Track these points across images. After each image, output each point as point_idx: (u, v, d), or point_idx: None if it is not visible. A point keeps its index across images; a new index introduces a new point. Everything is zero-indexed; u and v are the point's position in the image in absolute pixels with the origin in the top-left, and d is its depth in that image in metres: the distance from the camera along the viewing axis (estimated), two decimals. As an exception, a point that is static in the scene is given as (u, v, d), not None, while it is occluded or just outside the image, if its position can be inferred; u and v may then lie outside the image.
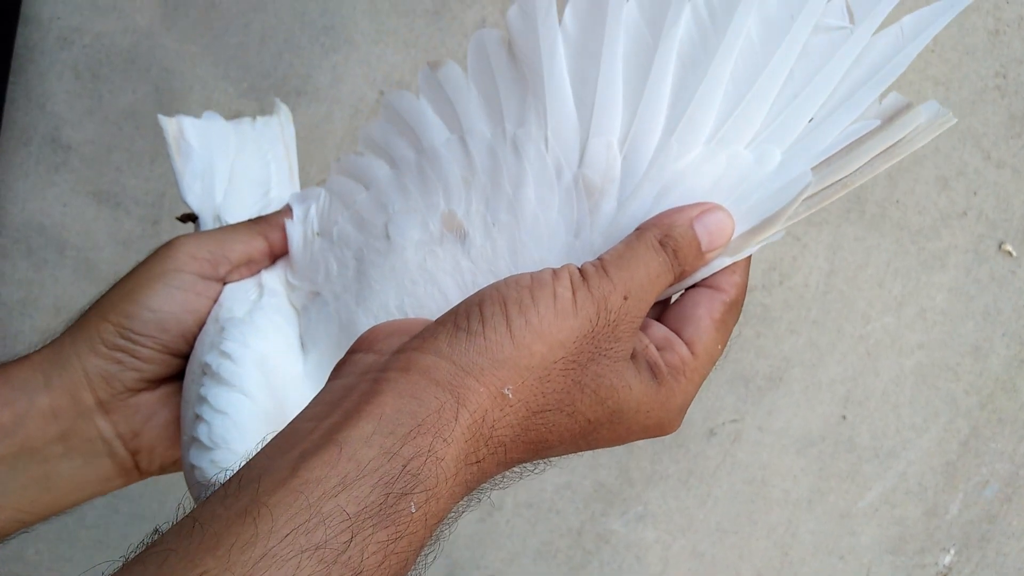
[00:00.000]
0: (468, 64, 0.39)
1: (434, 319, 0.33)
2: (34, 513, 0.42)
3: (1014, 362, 0.81)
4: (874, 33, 0.36)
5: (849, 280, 0.80)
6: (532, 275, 0.33)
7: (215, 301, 0.42)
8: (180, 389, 0.44)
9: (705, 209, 0.35)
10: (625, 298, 0.33)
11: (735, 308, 0.36)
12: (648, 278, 0.33)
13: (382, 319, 0.39)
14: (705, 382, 0.78)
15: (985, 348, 0.80)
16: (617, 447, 0.36)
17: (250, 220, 0.45)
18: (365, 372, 0.31)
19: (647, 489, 0.82)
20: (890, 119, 0.35)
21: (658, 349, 0.34)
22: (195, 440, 0.38)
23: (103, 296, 0.43)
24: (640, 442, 0.45)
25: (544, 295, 0.31)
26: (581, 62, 0.37)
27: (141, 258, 0.83)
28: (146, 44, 0.81)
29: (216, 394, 0.38)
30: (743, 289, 0.36)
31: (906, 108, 0.35)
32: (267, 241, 0.44)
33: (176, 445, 0.44)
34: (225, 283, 0.43)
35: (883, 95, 0.36)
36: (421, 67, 0.41)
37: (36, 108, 0.81)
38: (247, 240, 0.43)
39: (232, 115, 0.81)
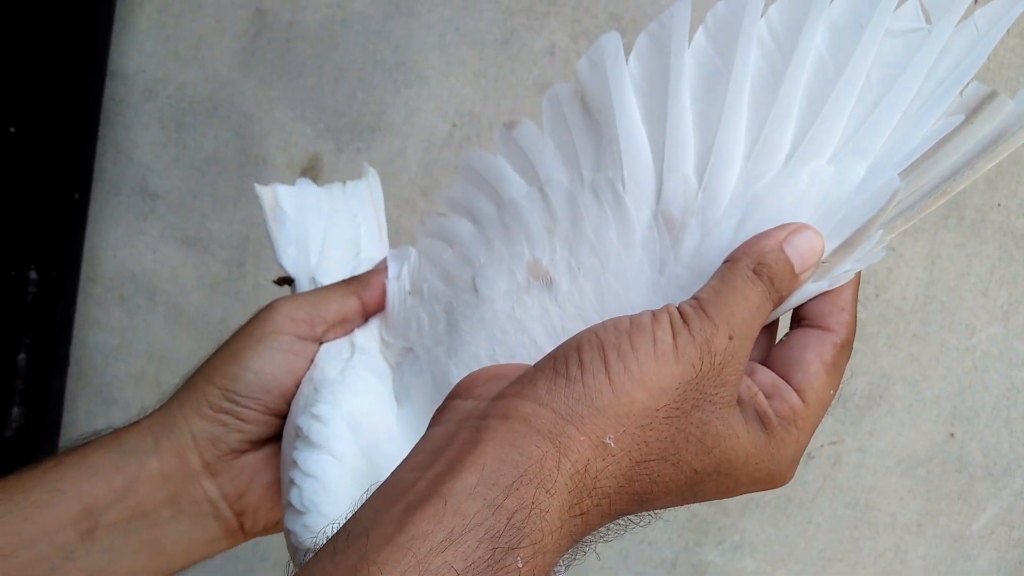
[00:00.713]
0: (543, 117, 0.40)
1: (530, 364, 0.32)
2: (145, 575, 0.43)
3: None
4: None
5: (950, 290, 0.75)
6: (631, 318, 0.31)
7: (312, 361, 0.43)
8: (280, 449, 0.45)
9: (792, 230, 0.33)
10: (730, 338, 0.31)
11: (846, 349, 0.34)
12: (750, 312, 0.32)
13: (474, 368, 0.38)
14: None
15: (1105, 356, 0.75)
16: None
17: (344, 281, 0.46)
18: (465, 419, 0.30)
19: (743, 517, 0.79)
20: (974, 111, 0.34)
21: (767, 397, 0.32)
22: (289, 505, 0.38)
23: (208, 360, 0.44)
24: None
25: (644, 340, 0.30)
26: (650, 102, 0.36)
27: (228, 301, 0.85)
28: (226, 91, 0.82)
29: (306, 457, 0.39)
30: (853, 328, 0.34)
31: (990, 97, 0.33)
32: (360, 300, 0.45)
33: (279, 506, 0.45)
34: (321, 343, 0.44)
35: (963, 89, 0.34)
36: (496, 124, 0.41)
37: (124, 159, 0.83)
38: (341, 300, 0.44)
39: (310, 156, 0.82)
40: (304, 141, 0.82)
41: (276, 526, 0.46)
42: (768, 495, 0.77)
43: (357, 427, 0.40)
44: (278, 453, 0.44)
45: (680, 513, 0.80)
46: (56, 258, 0.78)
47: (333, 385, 0.41)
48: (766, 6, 0.35)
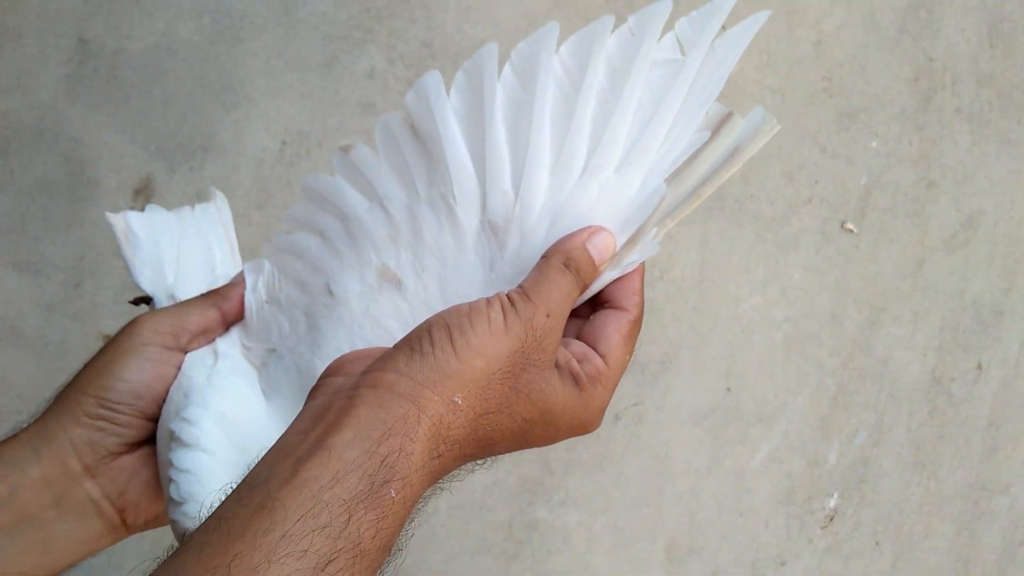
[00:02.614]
0: (377, 142, 0.45)
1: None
2: (35, 574, 0.45)
3: (866, 324, 0.91)
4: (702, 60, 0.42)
5: (719, 269, 0.89)
6: (470, 304, 0.39)
7: (179, 369, 0.47)
8: (156, 450, 0.48)
9: (591, 232, 0.41)
10: (548, 316, 0.39)
11: (638, 324, 0.43)
12: (562, 296, 0.40)
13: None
14: None
15: (840, 315, 0.91)
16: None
17: (203, 294, 0.49)
18: (338, 391, 0.37)
19: (566, 476, 0.89)
20: (717, 129, 0.42)
21: (578, 361, 0.41)
22: (170, 499, 0.43)
23: (79, 374, 0.46)
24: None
25: (480, 320, 0.38)
26: (471, 128, 0.43)
27: (67, 322, 0.86)
28: (52, 117, 0.83)
29: (180, 456, 0.43)
30: (642, 307, 0.43)
31: (728, 117, 0.42)
32: (220, 311, 0.49)
33: (157, 501, 0.48)
34: (186, 352, 0.48)
35: (708, 110, 0.42)
36: (324, 141, 0.47)
37: (-52, 187, 0.82)
38: (202, 312, 0.48)
39: (142, 178, 0.85)
40: (135, 163, 0.84)
41: (156, 520, 0.49)
42: (585, 454, 0.88)
43: (227, 423, 0.45)
44: (154, 453, 0.48)
45: (512, 479, 0.89)
46: None
47: (201, 389, 0.45)
48: (559, 44, 0.43)
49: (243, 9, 0.84)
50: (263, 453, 0.35)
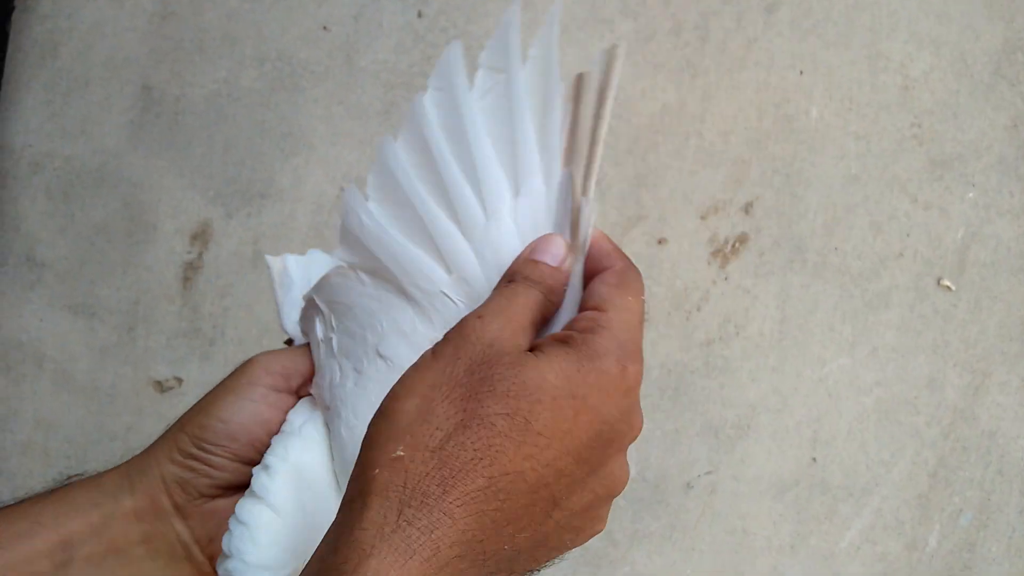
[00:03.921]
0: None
1: None
2: None
3: (968, 390, 0.81)
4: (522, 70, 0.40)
5: (801, 326, 0.81)
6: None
7: (285, 412, 0.44)
8: None
9: (531, 247, 0.37)
10: (479, 317, 0.33)
11: (629, 270, 0.36)
12: (505, 301, 0.34)
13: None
14: (677, 435, 0.79)
15: (939, 380, 0.81)
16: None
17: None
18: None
19: (632, 549, 0.80)
20: (576, 94, 0.39)
21: (566, 330, 0.34)
22: (221, 549, 0.39)
23: (187, 412, 0.44)
24: (619, 502, 0.42)
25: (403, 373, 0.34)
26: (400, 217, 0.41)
27: (118, 366, 0.83)
28: (114, 163, 0.82)
29: (243, 506, 0.40)
30: (625, 256, 0.37)
31: (578, 78, 0.39)
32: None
33: None
34: (299, 396, 0.44)
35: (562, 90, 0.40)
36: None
37: (11, 230, 0.82)
38: (297, 356, 0.44)
39: (200, 223, 0.83)
40: (194, 208, 0.83)
41: None
42: (653, 525, 0.80)
43: (301, 481, 0.41)
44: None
45: (573, 550, 0.81)
46: (-66, 329, 0.75)
47: (288, 437, 0.42)
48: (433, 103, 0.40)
49: (305, 58, 0.83)
50: (320, 531, 0.32)
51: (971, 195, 0.82)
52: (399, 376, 0.37)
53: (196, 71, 0.82)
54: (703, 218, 0.82)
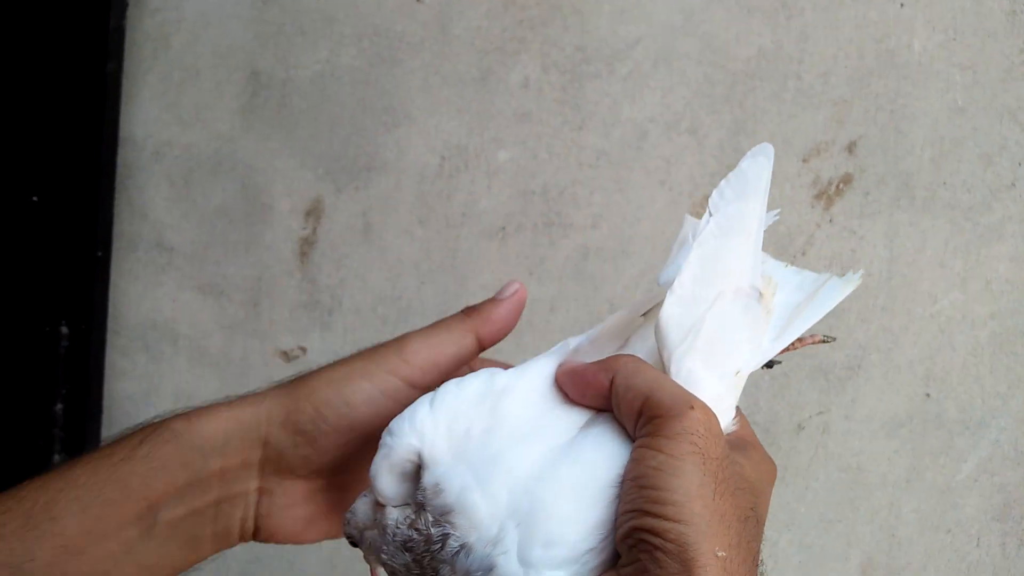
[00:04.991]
0: None
1: None
2: (180, 571, 0.42)
3: (1086, 319, 0.80)
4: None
5: (910, 264, 0.80)
6: (634, 474, 0.37)
7: (405, 403, 0.40)
8: (328, 491, 0.43)
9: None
10: (692, 408, 0.37)
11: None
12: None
13: None
14: (786, 379, 0.81)
15: (1055, 310, 0.80)
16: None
17: (463, 312, 0.44)
18: None
19: (747, 491, 0.82)
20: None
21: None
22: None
23: (319, 372, 0.42)
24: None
25: (663, 477, 0.36)
26: None
27: (247, 340, 0.87)
28: (228, 148, 0.86)
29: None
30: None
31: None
32: (477, 336, 0.44)
33: (292, 537, 0.44)
34: (424, 391, 0.41)
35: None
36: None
37: (140, 217, 0.86)
38: (459, 341, 0.43)
39: (312, 200, 0.86)
40: (305, 186, 0.86)
41: (286, 543, 0.45)
42: (767, 468, 0.81)
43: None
44: (322, 490, 0.43)
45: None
46: (84, 313, 0.80)
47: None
48: None
49: (400, 30, 0.84)
50: None
51: (1085, 118, 0.79)
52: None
53: (299, 53, 0.84)
54: (805, 161, 0.81)
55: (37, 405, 0.80)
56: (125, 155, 0.85)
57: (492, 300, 0.44)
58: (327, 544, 0.47)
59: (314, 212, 0.86)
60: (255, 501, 0.43)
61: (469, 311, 0.44)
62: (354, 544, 0.40)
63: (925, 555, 0.82)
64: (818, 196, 0.80)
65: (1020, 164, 0.79)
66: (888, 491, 0.81)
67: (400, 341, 0.42)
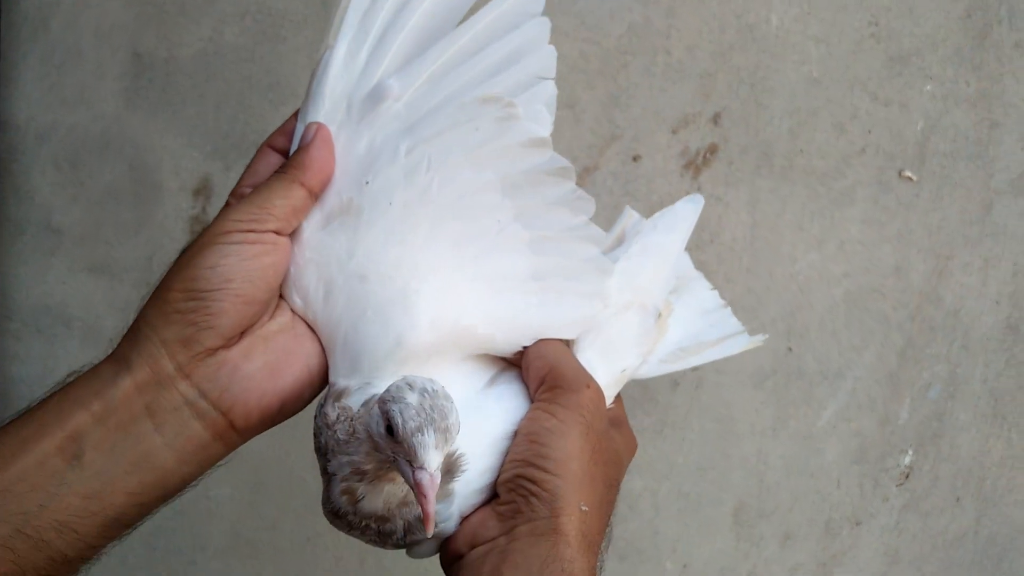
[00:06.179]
0: None
1: None
2: (147, 495, 0.42)
3: (933, 274, 0.86)
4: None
5: (771, 228, 0.85)
6: (527, 430, 0.45)
7: (268, 248, 0.43)
8: (260, 340, 0.44)
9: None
10: (587, 386, 0.46)
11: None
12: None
13: None
14: None
15: (905, 267, 0.86)
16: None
17: (280, 169, 0.44)
18: (487, 554, 0.41)
19: (628, 445, 0.87)
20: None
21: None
22: None
23: (163, 278, 0.43)
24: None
25: (549, 436, 0.44)
26: None
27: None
28: (115, 128, 0.86)
29: None
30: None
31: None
32: (304, 187, 0.44)
33: (267, 395, 0.43)
34: (284, 235, 0.44)
35: None
36: None
37: (26, 201, 0.86)
38: (285, 193, 0.43)
39: (201, 178, 0.86)
40: (194, 165, 0.86)
41: (271, 418, 0.44)
42: (645, 421, 0.85)
43: None
44: (258, 343, 0.44)
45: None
46: (-29, 299, 0.80)
47: None
48: None
49: (283, 8, 0.85)
50: None
51: (929, 88, 0.84)
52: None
53: (181, 32, 0.84)
54: (674, 132, 0.85)
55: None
56: (7, 139, 0.84)
57: (300, 149, 0.45)
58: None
59: (203, 190, 0.87)
60: (193, 390, 0.42)
61: (285, 167, 0.44)
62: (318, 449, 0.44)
63: (791, 497, 0.88)
64: (687, 166, 0.85)
65: (870, 131, 0.84)
66: (756, 439, 0.87)
67: (216, 219, 0.44)
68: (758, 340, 0.58)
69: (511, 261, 0.45)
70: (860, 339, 0.85)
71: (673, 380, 0.85)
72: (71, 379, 0.43)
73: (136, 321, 0.43)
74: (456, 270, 0.44)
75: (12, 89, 0.85)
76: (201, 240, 0.43)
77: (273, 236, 0.43)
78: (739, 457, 0.87)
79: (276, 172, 0.45)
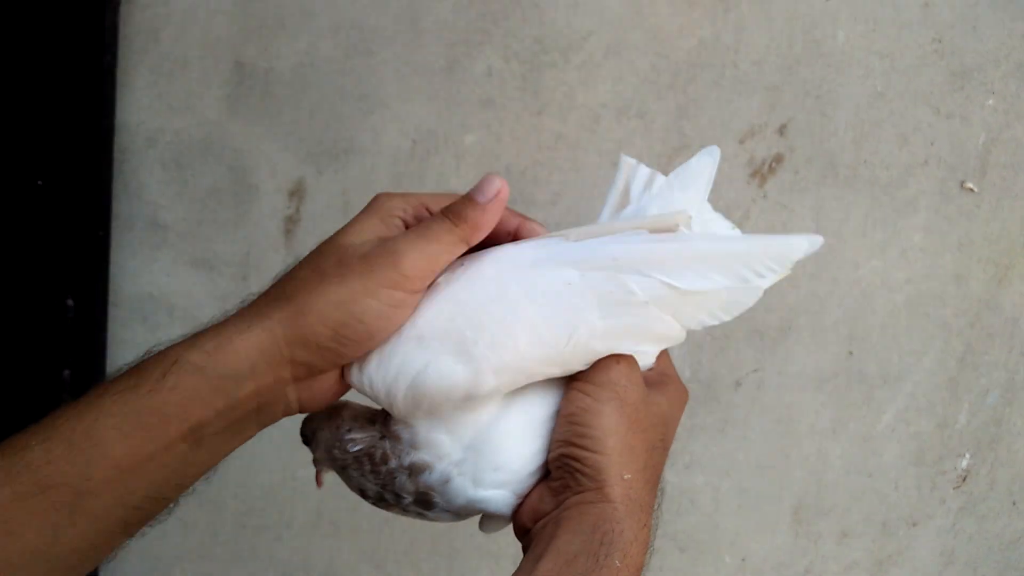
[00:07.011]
0: None
1: None
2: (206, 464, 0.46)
3: (992, 283, 0.88)
4: None
5: (835, 234, 0.88)
6: (567, 410, 0.47)
7: (410, 308, 0.45)
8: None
9: None
10: (617, 361, 0.47)
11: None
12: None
13: None
14: (725, 340, 0.91)
15: (965, 274, 0.88)
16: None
17: (448, 220, 0.46)
18: (543, 526, 0.45)
19: (690, 441, 0.90)
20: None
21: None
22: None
23: (316, 292, 0.44)
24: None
25: (589, 415, 0.46)
26: None
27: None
28: (217, 132, 0.92)
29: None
30: None
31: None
32: (467, 244, 0.46)
33: (327, 400, 0.48)
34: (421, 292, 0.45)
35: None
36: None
37: (135, 199, 0.93)
38: (451, 250, 0.46)
39: (295, 181, 0.93)
40: (288, 168, 0.92)
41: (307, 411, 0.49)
42: (708, 419, 0.89)
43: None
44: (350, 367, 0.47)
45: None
46: (88, 287, 0.87)
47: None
48: None
49: (374, 24, 0.91)
50: None
51: (991, 102, 0.87)
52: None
53: (280, 45, 0.91)
54: (741, 142, 0.88)
55: (47, 371, 0.87)
56: (121, 141, 0.91)
57: (476, 206, 0.46)
58: (316, 494, 0.54)
59: (297, 192, 0.93)
60: (295, 397, 0.46)
61: (455, 219, 0.46)
62: (307, 443, 0.49)
63: (849, 497, 0.90)
64: (753, 174, 0.88)
65: (932, 144, 0.87)
66: (816, 440, 0.89)
67: (393, 256, 0.44)
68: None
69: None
70: (920, 344, 0.88)
71: (736, 381, 0.88)
72: (177, 348, 0.44)
73: (273, 325, 0.44)
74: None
75: (125, 95, 0.92)
76: (365, 276, 0.44)
77: (419, 297, 0.46)
78: (799, 456, 0.90)
79: (444, 222, 0.46)
